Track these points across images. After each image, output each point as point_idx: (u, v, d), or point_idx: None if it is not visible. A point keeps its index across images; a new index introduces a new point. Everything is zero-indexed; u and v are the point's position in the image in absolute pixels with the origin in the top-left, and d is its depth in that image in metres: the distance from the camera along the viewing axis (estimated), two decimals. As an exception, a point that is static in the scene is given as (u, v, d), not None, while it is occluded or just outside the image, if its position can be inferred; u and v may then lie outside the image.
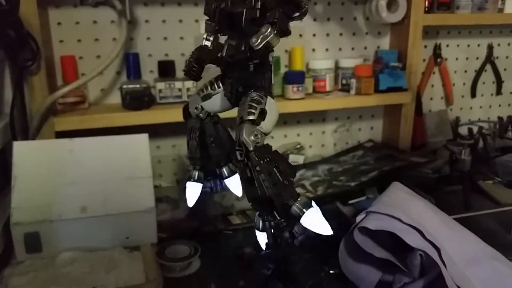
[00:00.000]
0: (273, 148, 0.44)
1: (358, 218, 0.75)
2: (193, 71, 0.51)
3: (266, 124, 0.44)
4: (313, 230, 0.42)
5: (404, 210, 0.72)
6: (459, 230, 0.75)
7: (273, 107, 0.45)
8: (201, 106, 0.54)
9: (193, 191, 0.56)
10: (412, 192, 0.82)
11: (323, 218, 0.42)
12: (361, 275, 0.74)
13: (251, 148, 0.42)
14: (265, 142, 0.44)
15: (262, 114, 0.44)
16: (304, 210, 0.42)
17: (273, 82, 0.48)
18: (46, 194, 0.81)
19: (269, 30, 0.41)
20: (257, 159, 0.42)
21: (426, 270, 0.69)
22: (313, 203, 0.43)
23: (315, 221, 0.41)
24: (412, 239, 0.66)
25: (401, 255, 0.72)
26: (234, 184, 0.56)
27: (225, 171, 0.57)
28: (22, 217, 0.78)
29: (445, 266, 0.64)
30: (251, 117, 0.43)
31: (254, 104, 0.44)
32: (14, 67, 0.87)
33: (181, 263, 0.80)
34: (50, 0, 1.01)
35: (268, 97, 0.46)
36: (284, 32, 0.42)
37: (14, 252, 0.79)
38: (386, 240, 0.75)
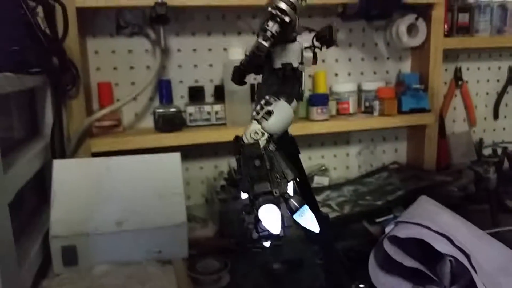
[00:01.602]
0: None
1: (387, 229, 0.76)
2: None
3: (270, 124, 0.45)
4: (303, 225, 0.43)
5: (432, 219, 0.73)
6: (489, 240, 0.75)
7: (285, 110, 0.46)
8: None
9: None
10: (439, 205, 0.83)
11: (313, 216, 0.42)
12: (392, 286, 0.75)
13: (244, 143, 0.44)
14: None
15: (268, 114, 0.45)
16: (297, 206, 0.42)
17: (302, 89, 0.50)
18: (83, 209, 0.84)
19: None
20: (244, 152, 0.44)
21: (457, 278, 0.69)
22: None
23: (307, 217, 0.43)
24: (441, 245, 0.67)
25: (430, 265, 0.73)
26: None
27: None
28: (60, 231, 0.82)
29: (476, 272, 0.64)
30: (256, 117, 0.45)
31: (263, 105, 0.46)
32: (56, 91, 0.93)
33: (211, 277, 0.81)
34: (88, 29, 1.09)
35: (282, 100, 0.47)
36: None
37: (51, 266, 0.82)
38: (415, 251, 0.76)
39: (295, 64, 0.48)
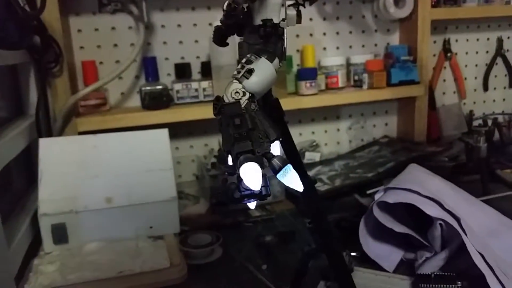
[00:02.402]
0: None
1: (377, 196, 0.76)
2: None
3: (250, 83, 0.43)
4: (287, 184, 0.42)
5: (422, 185, 0.73)
6: (478, 204, 0.76)
7: (266, 68, 0.45)
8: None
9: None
10: (429, 171, 0.83)
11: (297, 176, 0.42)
12: (383, 254, 0.75)
13: (224, 103, 0.43)
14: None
15: (249, 73, 0.44)
16: (280, 165, 0.41)
17: (284, 48, 0.48)
18: (71, 187, 0.83)
19: None
20: (225, 112, 0.42)
21: (447, 242, 0.69)
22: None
23: (291, 177, 0.42)
24: (431, 209, 0.67)
25: (421, 231, 0.73)
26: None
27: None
28: (49, 209, 0.81)
29: (466, 235, 0.64)
30: (237, 76, 0.44)
31: (244, 63, 0.44)
32: (39, 70, 0.91)
33: (203, 250, 0.81)
34: (71, 8, 1.06)
35: (263, 58, 0.45)
36: None
37: (42, 244, 0.81)
38: (405, 218, 0.76)
39: (276, 20, 0.46)
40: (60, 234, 0.81)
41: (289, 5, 0.48)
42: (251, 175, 0.40)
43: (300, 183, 0.42)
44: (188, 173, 1.21)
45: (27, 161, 0.93)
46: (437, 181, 0.78)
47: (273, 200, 1.05)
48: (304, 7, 0.49)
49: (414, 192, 0.70)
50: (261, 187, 0.40)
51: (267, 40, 0.47)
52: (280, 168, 0.41)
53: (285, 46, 0.47)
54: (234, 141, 0.41)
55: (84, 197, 0.83)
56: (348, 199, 1.04)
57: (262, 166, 0.41)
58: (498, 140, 1.29)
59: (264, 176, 0.41)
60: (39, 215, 0.80)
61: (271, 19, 0.46)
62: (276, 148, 0.46)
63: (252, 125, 0.42)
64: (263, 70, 0.45)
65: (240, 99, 0.43)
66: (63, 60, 0.96)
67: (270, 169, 0.42)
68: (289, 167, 0.42)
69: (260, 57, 0.45)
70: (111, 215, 0.83)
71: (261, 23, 0.47)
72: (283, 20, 0.46)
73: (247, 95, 0.44)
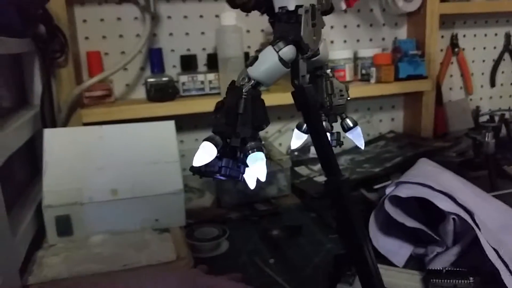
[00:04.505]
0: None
1: (388, 190, 0.74)
2: None
3: (252, 70, 0.44)
4: (251, 170, 0.43)
5: (434, 179, 0.72)
6: (490, 199, 0.75)
7: (268, 56, 0.44)
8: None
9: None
10: (439, 166, 0.82)
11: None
12: (393, 249, 0.74)
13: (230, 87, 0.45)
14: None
15: (255, 60, 0.44)
16: (255, 150, 0.43)
17: (300, 35, 0.47)
18: (76, 178, 0.82)
19: None
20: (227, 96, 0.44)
21: (459, 237, 0.68)
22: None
23: (258, 165, 0.43)
24: (445, 204, 0.66)
25: (432, 226, 0.72)
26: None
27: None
28: (53, 200, 0.79)
29: (480, 230, 0.63)
30: (248, 62, 0.45)
31: (256, 51, 0.46)
32: (44, 59, 0.90)
33: (210, 243, 0.80)
34: (76, -3, 1.05)
35: (269, 47, 0.45)
36: None
37: (46, 236, 0.80)
38: (416, 212, 0.75)
39: (291, 7, 0.45)
40: (65, 226, 0.80)
41: None
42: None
43: (264, 174, 0.43)
44: (193, 166, 1.19)
45: (31, 152, 0.92)
46: (449, 176, 0.77)
47: (278, 194, 1.04)
48: None
49: (427, 186, 0.69)
50: (222, 166, 0.43)
51: (283, 27, 0.46)
52: (252, 152, 0.43)
53: (301, 34, 0.46)
54: (227, 125, 0.43)
55: (89, 188, 0.82)
56: (354, 194, 1.03)
57: (216, 145, 0.43)
58: (505, 136, 1.28)
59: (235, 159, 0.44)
60: (44, 207, 0.79)
61: (286, 6, 0.45)
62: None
63: (243, 110, 0.43)
64: (265, 58, 0.45)
65: (244, 85, 0.44)
66: (69, 50, 0.94)
67: (242, 151, 0.43)
68: (261, 155, 0.43)
69: (270, 44, 0.45)
70: (116, 207, 0.82)
71: (279, 10, 0.46)
72: (300, 6, 0.45)
73: (252, 81, 0.44)
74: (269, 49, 0.45)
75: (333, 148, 0.52)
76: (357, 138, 0.57)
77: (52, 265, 0.72)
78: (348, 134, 0.57)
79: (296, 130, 0.58)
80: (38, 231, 0.81)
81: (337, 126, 0.58)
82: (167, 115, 1.00)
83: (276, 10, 0.46)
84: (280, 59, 0.45)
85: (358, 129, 0.57)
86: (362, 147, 0.57)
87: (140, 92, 1.13)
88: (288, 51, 0.45)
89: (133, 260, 0.73)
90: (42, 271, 0.70)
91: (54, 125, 0.94)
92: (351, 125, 0.57)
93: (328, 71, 0.55)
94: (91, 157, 0.84)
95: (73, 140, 0.86)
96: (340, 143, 0.57)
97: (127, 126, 0.89)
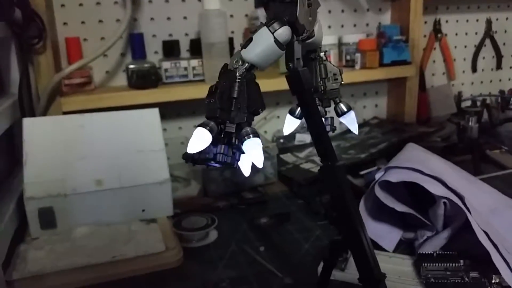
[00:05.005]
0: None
1: (377, 175, 0.74)
2: None
3: (246, 52, 0.42)
4: (247, 156, 0.42)
5: (423, 164, 0.72)
6: (478, 183, 0.75)
7: (263, 37, 0.43)
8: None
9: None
10: (427, 151, 0.82)
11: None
12: (382, 234, 0.74)
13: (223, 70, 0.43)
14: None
15: (249, 41, 0.43)
16: (251, 136, 0.41)
17: (296, 16, 0.45)
18: (58, 169, 0.79)
19: None
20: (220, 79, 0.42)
21: (449, 221, 0.69)
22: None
23: (254, 149, 0.41)
24: (435, 188, 0.66)
25: (421, 210, 0.72)
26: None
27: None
28: (36, 192, 0.77)
29: (470, 213, 0.63)
30: (241, 44, 0.43)
31: (251, 32, 0.44)
32: (20, 46, 0.86)
33: (199, 233, 0.79)
34: (53, -19, 1.01)
35: (264, 27, 0.43)
36: None
37: (28, 230, 0.77)
38: (405, 197, 0.75)
39: None
40: (48, 218, 0.77)
41: None
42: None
43: (262, 160, 0.41)
44: (177, 155, 1.16)
45: (10, 143, 0.88)
46: (437, 160, 0.77)
47: (265, 182, 1.03)
48: None
49: (417, 170, 0.69)
50: (217, 153, 0.41)
51: (277, 8, 0.44)
52: (249, 138, 0.41)
53: (297, 14, 0.44)
54: (207, 107, 0.41)
55: (72, 179, 0.79)
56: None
57: (211, 131, 0.40)
58: (486, 121, 1.30)
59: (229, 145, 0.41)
60: (25, 199, 0.76)
61: None
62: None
63: (238, 94, 0.41)
64: (259, 38, 0.43)
65: (238, 68, 0.42)
66: (47, 36, 0.91)
67: (238, 137, 0.42)
68: (258, 141, 0.41)
69: (264, 25, 0.43)
70: (101, 198, 0.79)
71: None
72: None
73: (246, 64, 0.42)
74: (264, 30, 0.43)
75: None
76: (351, 123, 0.56)
77: (36, 259, 0.70)
78: (342, 119, 0.56)
79: (288, 116, 0.57)
80: (20, 224, 0.78)
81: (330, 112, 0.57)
82: (149, 103, 0.98)
83: None
84: (276, 40, 0.43)
85: (352, 113, 0.56)
86: (356, 132, 0.56)
87: (121, 79, 1.10)
88: (284, 32, 0.43)
89: (121, 252, 0.71)
90: (26, 266, 0.68)
91: (33, 114, 0.91)
92: (345, 109, 0.55)
93: (322, 54, 0.54)
94: (73, 147, 0.82)
95: (54, 130, 0.83)
96: (333, 128, 0.55)
97: (110, 114, 0.86)
